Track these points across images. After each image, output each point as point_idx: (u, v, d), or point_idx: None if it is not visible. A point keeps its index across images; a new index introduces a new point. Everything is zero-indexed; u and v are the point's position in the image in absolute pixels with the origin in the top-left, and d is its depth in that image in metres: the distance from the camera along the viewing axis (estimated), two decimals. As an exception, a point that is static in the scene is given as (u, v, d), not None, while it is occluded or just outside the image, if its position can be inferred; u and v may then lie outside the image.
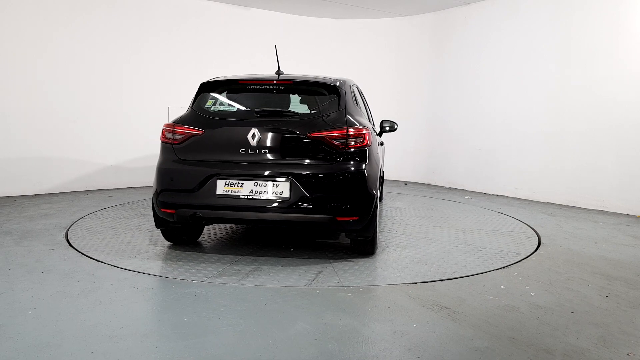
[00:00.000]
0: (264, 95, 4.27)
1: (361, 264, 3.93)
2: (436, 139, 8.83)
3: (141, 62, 7.86)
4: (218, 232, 4.93)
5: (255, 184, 3.68)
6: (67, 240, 4.51)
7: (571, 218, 5.90)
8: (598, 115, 6.43)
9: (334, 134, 3.74)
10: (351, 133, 3.75)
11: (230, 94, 4.34)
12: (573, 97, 6.70)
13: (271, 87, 4.12)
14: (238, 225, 5.13)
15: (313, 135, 3.73)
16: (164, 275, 3.56)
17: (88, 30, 7.35)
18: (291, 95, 4.40)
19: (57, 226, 5.07)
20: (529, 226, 5.40)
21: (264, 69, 8.68)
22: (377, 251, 4.25)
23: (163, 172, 3.89)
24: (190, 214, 3.74)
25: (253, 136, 3.73)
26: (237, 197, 3.68)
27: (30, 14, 6.89)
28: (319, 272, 3.69)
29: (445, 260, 4.05)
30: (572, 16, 6.70)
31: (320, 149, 3.73)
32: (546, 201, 7.04)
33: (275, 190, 3.66)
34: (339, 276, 3.62)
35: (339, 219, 3.66)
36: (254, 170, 3.70)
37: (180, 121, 4.00)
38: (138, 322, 2.76)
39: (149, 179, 8.03)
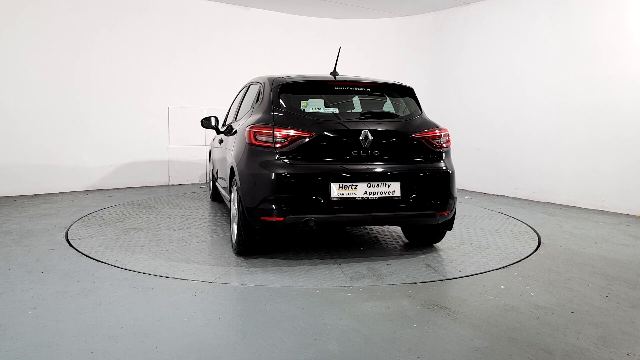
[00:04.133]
0: (350, 96, 4.25)
1: (450, 253, 4.29)
2: (436, 139, 8.82)
3: (141, 62, 7.87)
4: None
5: (369, 185, 3.70)
6: (67, 240, 4.52)
7: (571, 218, 5.90)
8: (598, 115, 6.43)
9: (432, 134, 3.98)
10: (442, 133, 4.03)
11: (316, 95, 4.19)
12: (573, 97, 6.70)
13: (359, 88, 4.17)
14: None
15: (417, 135, 3.92)
16: (164, 275, 3.56)
17: (88, 30, 7.36)
18: (376, 97, 4.34)
19: (57, 226, 5.07)
20: (529, 226, 5.40)
21: (264, 69, 8.68)
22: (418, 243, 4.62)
23: (265, 178, 3.61)
24: (303, 220, 3.59)
25: (365, 138, 3.74)
26: (353, 199, 3.67)
27: (30, 15, 6.89)
28: (427, 265, 3.93)
29: (500, 247, 4.42)
30: (572, 17, 6.70)
31: (422, 149, 3.93)
32: (546, 201, 7.04)
33: (388, 190, 3.74)
34: (447, 267, 3.91)
35: (440, 213, 3.90)
36: (367, 172, 3.72)
37: (278, 123, 3.73)
38: (138, 322, 2.76)
39: (149, 179, 8.08)
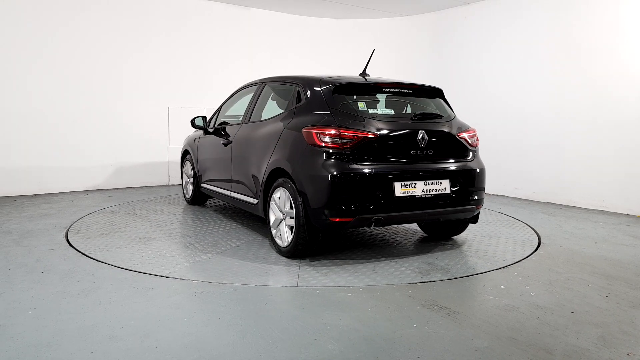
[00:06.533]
0: (396, 98, 4.35)
1: (465, 249, 4.48)
2: (436, 139, 8.81)
3: (141, 62, 7.87)
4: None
5: (425, 183, 3.91)
6: (67, 240, 4.51)
7: (571, 218, 5.90)
8: (598, 114, 6.43)
9: (471, 134, 4.27)
10: (475, 133, 4.34)
11: (366, 97, 4.24)
12: (573, 97, 6.70)
13: (403, 90, 4.29)
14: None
15: (460, 135, 4.19)
16: (164, 275, 3.56)
17: (88, 30, 7.36)
18: (419, 98, 4.44)
19: (57, 226, 5.07)
20: (529, 226, 5.40)
21: (264, 69, 8.68)
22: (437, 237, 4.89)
23: (334, 179, 3.63)
24: (373, 218, 3.72)
25: (422, 138, 3.92)
26: (413, 197, 3.85)
27: (30, 14, 6.89)
28: (472, 256, 4.21)
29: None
30: (572, 16, 6.70)
31: (462, 147, 4.18)
32: (546, 201, 7.04)
33: (440, 187, 3.97)
34: (495, 256, 4.26)
35: (477, 207, 4.23)
36: (424, 170, 3.92)
37: (341, 125, 3.75)
38: (138, 322, 2.76)
39: (149, 178, 8.08)
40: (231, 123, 5.47)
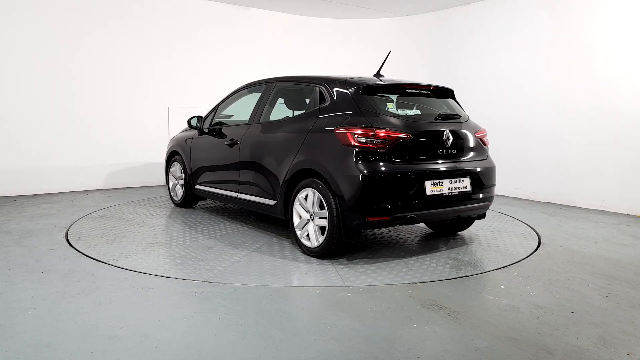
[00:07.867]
0: (418, 99, 4.43)
1: (473, 246, 4.54)
2: (436, 139, 8.80)
3: (141, 63, 7.86)
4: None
5: (451, 181, 4.04)
6: (67, 240, 4.51)
7: (571, 218, 5.90)
8: (598, 115, 6.42)
9: (483, 134, 4.45)
10: (486, 132, 4.50)
11: (391, 97, 4.32)
12: (573, 97, 6.70)
13: (423, 91, 4.40)
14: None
15: (478, 134, 4.37)
16: (164, 275, 3.56)
17: (88, 31, 7.36)
18: (437, 99, 4.53)
19: (57, 226, 5.07)
20: (529, 226, 5.40)
21: (264, 69, 8.68)
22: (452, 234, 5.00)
23: (372, 179, 3.67)
24: (408, 217, 3.83)
25: (447, 137, 4.05)
26: (441, 195, 3.97)
27: (31, 16, 6.89)
28: (491, 251, 4.39)
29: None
30: (572, 16, 6.70)
31: (479, 147, 4.36)
32: (546, 201, 7.04)
33: (462, 185, 4.12)
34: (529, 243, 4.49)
35: (489, 203, 4.42)
36: (449, 169, 4.05)
37: (375, 125, 3.80)
38: (138, 322, 2.76)
39: (149, 179, 8.08)
40: (229, 123, 5.43)
